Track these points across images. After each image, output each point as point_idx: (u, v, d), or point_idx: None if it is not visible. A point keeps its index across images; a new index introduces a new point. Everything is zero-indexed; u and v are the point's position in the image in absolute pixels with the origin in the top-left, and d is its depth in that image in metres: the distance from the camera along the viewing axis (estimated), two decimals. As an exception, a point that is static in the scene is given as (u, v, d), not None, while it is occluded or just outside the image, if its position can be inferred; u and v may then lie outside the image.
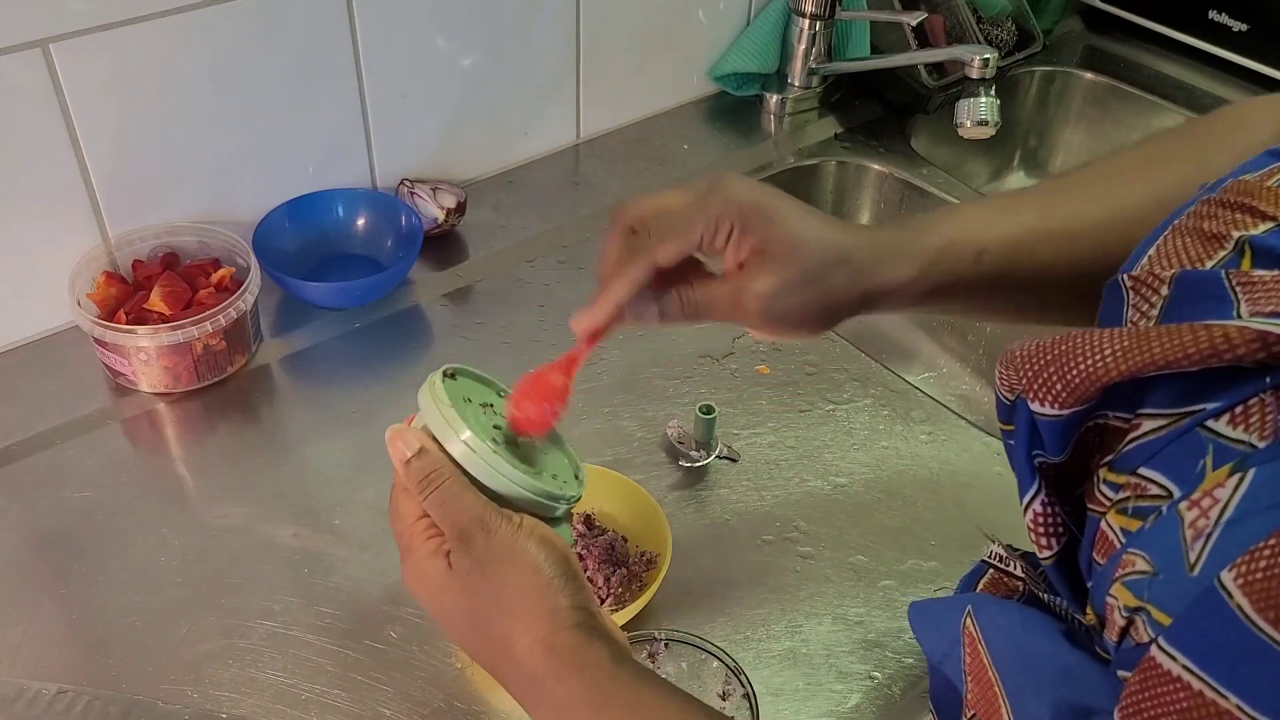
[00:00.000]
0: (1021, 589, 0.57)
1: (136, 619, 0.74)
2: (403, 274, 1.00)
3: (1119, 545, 0.41)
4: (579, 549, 0.76)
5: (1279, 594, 0.32)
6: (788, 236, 0.57)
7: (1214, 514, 0.36)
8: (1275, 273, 0.41)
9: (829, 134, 1.28)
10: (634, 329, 0.62)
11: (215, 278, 0.93)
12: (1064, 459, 0.45)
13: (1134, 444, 0.42)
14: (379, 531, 0.80)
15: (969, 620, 0.53)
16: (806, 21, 1.24)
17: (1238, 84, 1.36)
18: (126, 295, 0.91)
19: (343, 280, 1.01)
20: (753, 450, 0.88)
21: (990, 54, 1.11)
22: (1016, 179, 1.49)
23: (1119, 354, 0.41)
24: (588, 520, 0.79)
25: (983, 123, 1.13)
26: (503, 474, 0.54)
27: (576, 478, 0.60)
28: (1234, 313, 0.40)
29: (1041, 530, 0.47)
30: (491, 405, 0.60)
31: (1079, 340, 0.43)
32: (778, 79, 1.29)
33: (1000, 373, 0.47)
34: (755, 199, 0.58)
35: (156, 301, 0.89)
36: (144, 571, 0.77)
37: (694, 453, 0.86)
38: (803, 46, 1.25)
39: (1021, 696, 0.48)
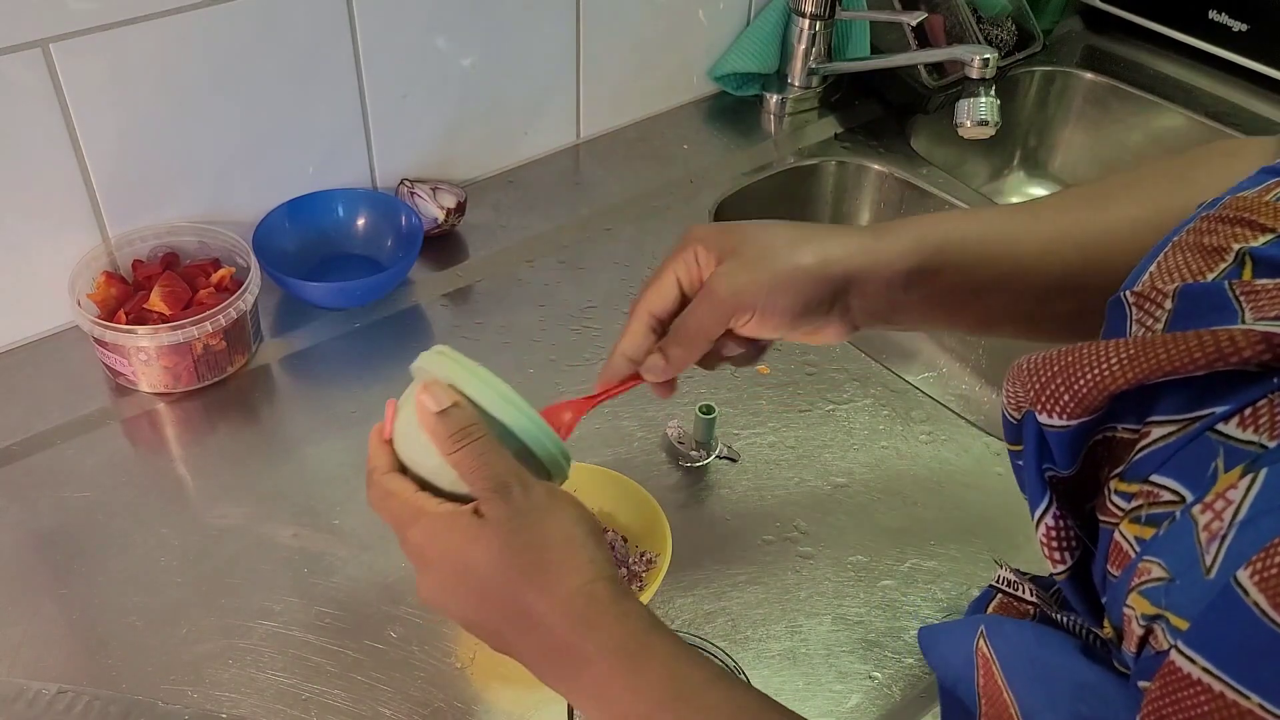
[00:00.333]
0: (1033, 612, 0.57)
1: (136, 619, 0.74)
2: (403, 274, 1.00)
3: (1133, 554, 0.41)
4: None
5: None
6: (748, 236, 0.61)
7: (1228, 515, 0.36)
8: (1278, 280, 0.41)
9: (829, 134, 1.28)
10: (652, 388, 0.65)
11: (215, 278, 0.93)
12: (1073, 472, 0.45)
13: (1144, 452, 0.42)
14: (379, 531, 0.80)
15: (982, 641, 0.52)
16: (806, 21, 1.24)
17: (1238, 84, 1.36)
18: (126, 295, 0.91)
19: (343, 280, 1.01)
20: (753, 450, 0.88)
21: (990, 54, 1.11)
22: (1016, 179, 1.49)
23: (1125, 362, 0.41)
24: (588, 520, 0.79)
25: (983, 123, 1.13)
26: (532, 419, 0.55)
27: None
28: (1239, 320, 0.40)
29: (1055, 545, 0.47)
30: None
31: (1085, 351, 0.43)
32: (778, 79, 1.29)
33: (1007, 390, 0.47)
34: (713, 227, 0.63)
35: (156, 301, 0.89)
36: (144, 571, 0.77)
37: (694, 453, 0.86)
38: (803, 46, 1.25)
39: (1037, 715, 0.48)
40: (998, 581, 0.58)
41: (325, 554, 0.79)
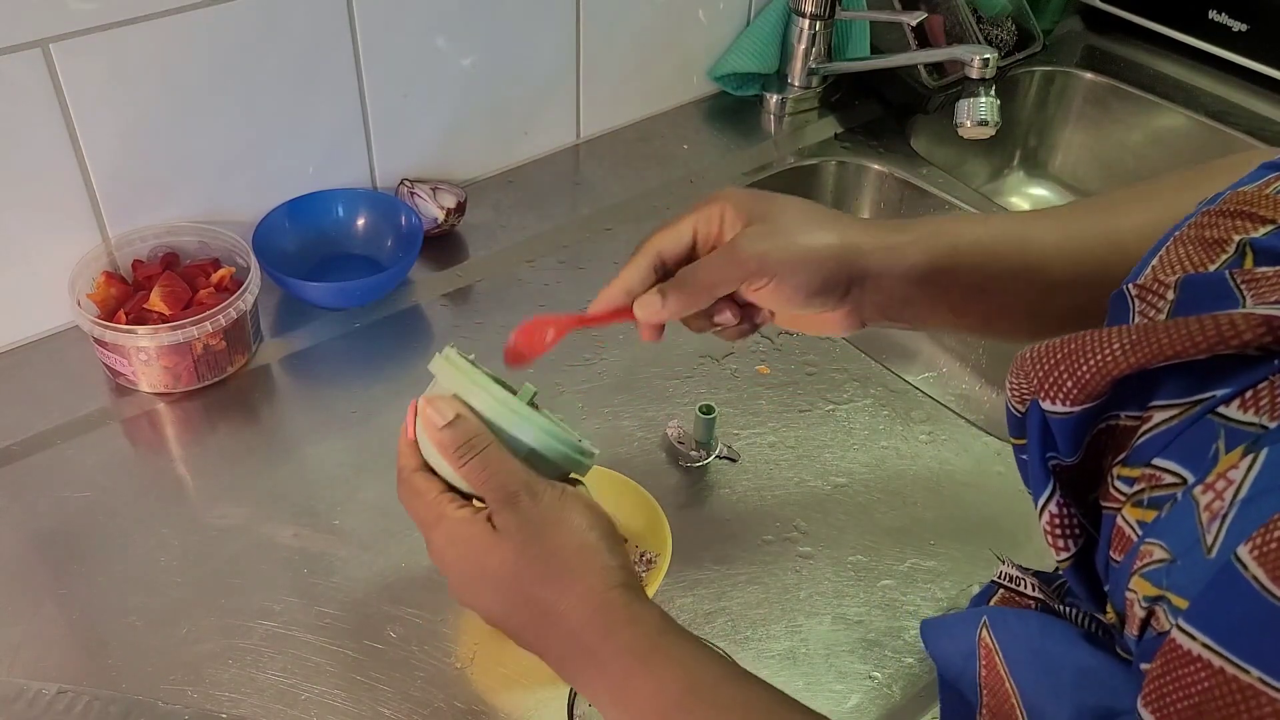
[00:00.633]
0: (1035, 606, 0.57)
1: (136, 619, 0.74)
2: (403, 274, 1.00)
3: (1135, 539, 0.41)
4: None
5: None
6: (776, 206, 0.62)
7: (1229, 495, 0.36)
8: (1278, 268, 0.41)
9: (829, 134, 1.28)
10: (639, 328, 0.64)
11: (215, 278, 0.93)
12: (1077, 461, 0.46)
13: (1146, 436, 0.42)
14: (379, 531, 0.80)
15: (985, 632, 0.53)
16: (806, 21, 1.24)
17: (1238, 84, 1.36)
18: (126, 295, 0.91)
19: (343, 280, 1.01)
20: (753, 450, 0.88)
21: (990, 54, 1.11)
22: (1016, 179, 1.49)
23: (1128, 347, 0.41)
24: (588, 520, 0.79)
25: (983, 123, 1.13)
26: (538, 425, 0.55)
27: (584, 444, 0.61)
28: (1240, 307, 0.40)
29: (1059, 532, 0.47)
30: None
31: (1088, 338, 0.43)
32: (778, 79, 1.29)
33: (1011, 382, 0.47)
34: (744, 192, 0.63)
35: (156, 301, 0.89)
36: (144, 571, 0.77)
37: (694, 453, 0.86)
38: (803, 46, 1.25)
39: (1040, 705, 0.48)
40: (999, 577, 0.59)
41: (325, 554, 0.79)
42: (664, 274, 0.63)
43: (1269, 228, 0.44)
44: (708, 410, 0.86)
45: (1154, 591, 0.38)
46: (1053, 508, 0.47)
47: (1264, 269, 0.42)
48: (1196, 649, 0.35)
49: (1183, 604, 0.36)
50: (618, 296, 0.63)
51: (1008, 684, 0.50)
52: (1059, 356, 0.44)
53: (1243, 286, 0.41)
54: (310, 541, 0.80)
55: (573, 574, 0.52)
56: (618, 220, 1.12)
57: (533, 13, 1.10)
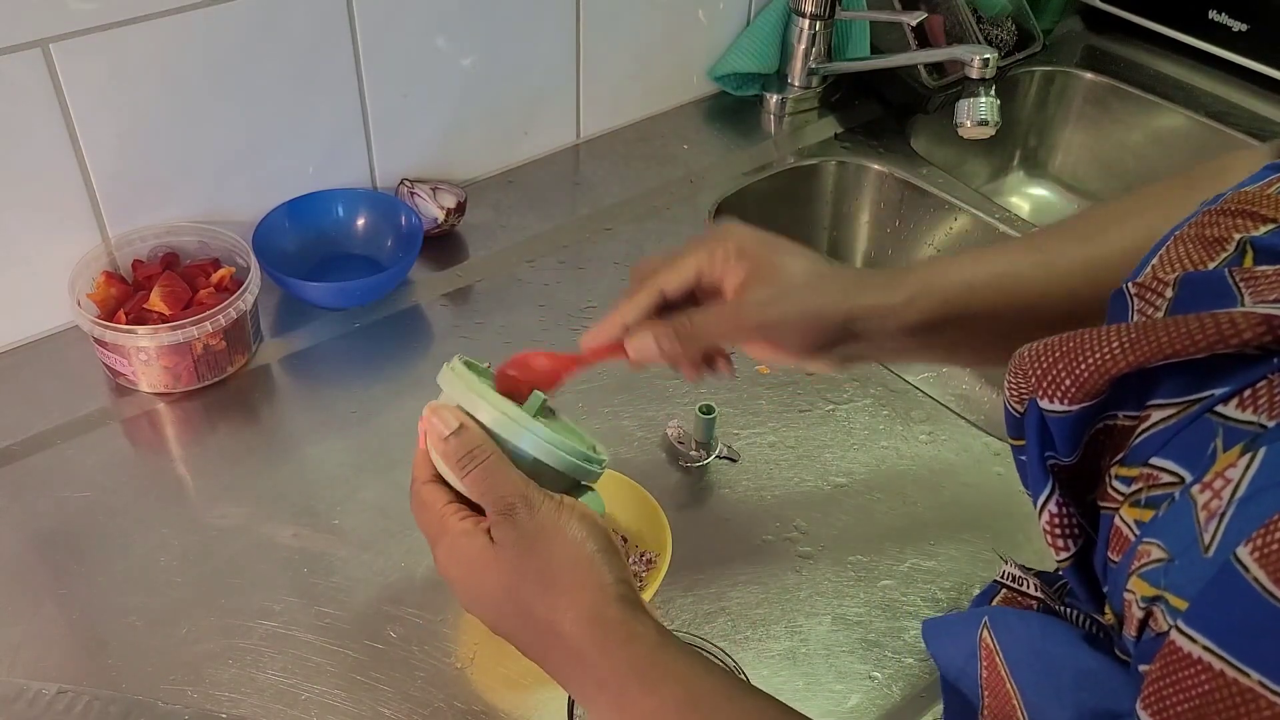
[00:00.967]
0: (1036, 607, 0.57)
1: (136, 619, 0.74)
2: (403, 274, 1.00)
3: (1133, 538, 0.41)
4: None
5: None
6: (779, 259, 0.62)
7: (1226, 494, 0.36)
8: (1278, 266, 0.41)
9: (829, 134, 1.28)
10: (638, 367, 0.65)
11: (215, 278, 0.93)
12: (1075, 461, 0.46)
13: (1144, 435, 0.42)
14: (379, 531, 0.80)
15: (986, 632, 0.53)
16: (806, 21, 1.24)
17: (1238, 84, 1.36)
18: (126, 295, 0.91)
19: (343, 280, 1.01)
20: (753, 450, 0.88)
21: (990, 54, 1.11)
22: (1016, 179, 1.49)
23: (1126, 346, 0.41)
24: (588, 520, 0.79)
25: (983, 123, 1.13)
26: (541, 436, 0.56)
27: (595, 451, 0.61)
28: (1238, 305, 0.40)
29: (1058, 532, 0.47)
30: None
31: (1086, 336, 0.43)
32: (778, 79, 1.29)
33: (1009, 381, 0.47)
34: (749, 233, 0.64)
35: (156, 301, 0.89)
36: (144, 571, 0.77)
37: (694, 453, 0.86)
38: (803, 46, 1.25)
39: (1041, 705, 0.48)
40: (1002, 577, 0.59)
41: (325, 554, 0.79)
42: (662, 307, 0.64)
43: (1270, 226, 0.44)
44: (708, 410, 0.86)
45: (1152, 591, 0.38)
46: (1052, 507, 0.47)
47: (1263, 267, 0.41)
48: (1196, 651, 0.35)
49: (1181, 604, 0.36)
50: (614, 330, 0.64)
51: (1009, 685, 0.50)
52: (1057, 355, 0.44)
53: (1241, 285, 0.41)
54: (310, 541, 0.80)
55: (568, 589, 0.52)
56: (618, 220, 1.12)
57: (532, 13, 1.10)
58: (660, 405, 0.91)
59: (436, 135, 1.11)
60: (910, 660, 0.73)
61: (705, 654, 0.70)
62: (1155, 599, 0.38)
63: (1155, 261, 0.47)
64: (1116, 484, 0.43)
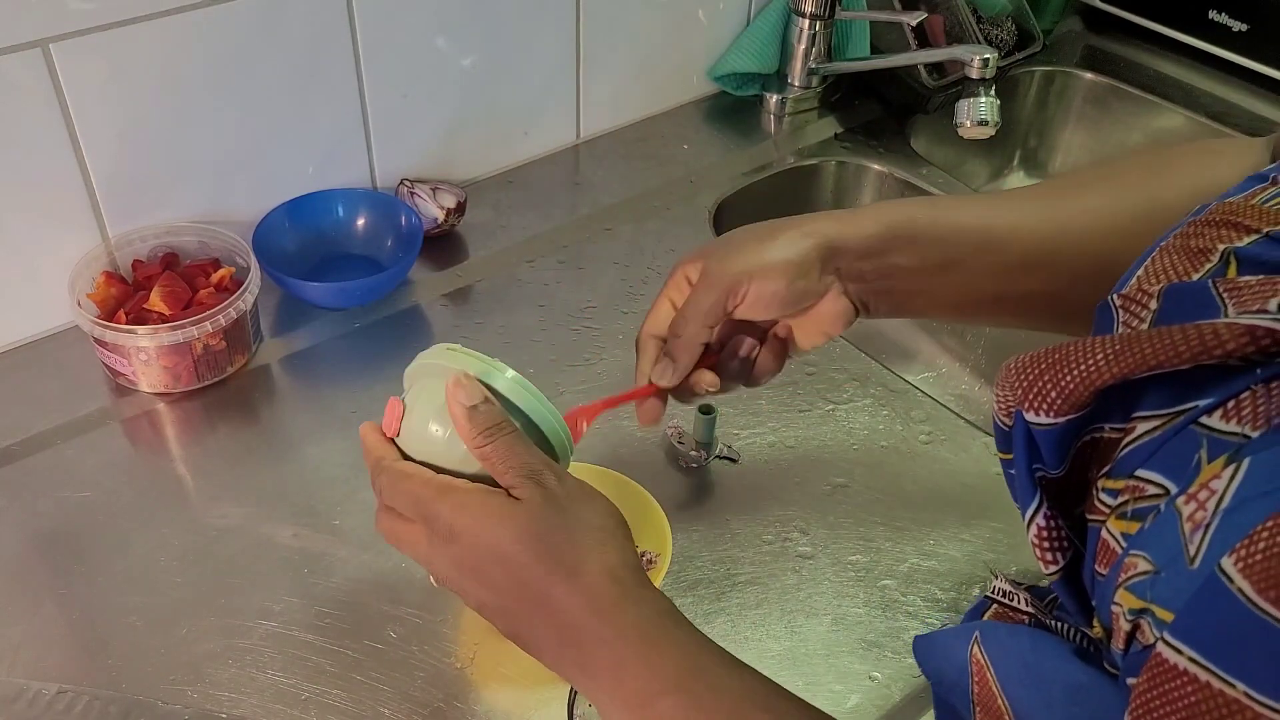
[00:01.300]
0: (1028, 621, 0.57)
1: (136, 619, 0.74)
2: (403, 274, 1.00)
3: (1120, 551, 0.41)
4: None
5: (1279, 572, 0.32)
6: (726, 235, 0.67)
7: (1211, 505, 0.36)
8: (1261, 277, 0.41)
9: (829, 134, 1.28)
10: (638, 411, 0.69)
11: (215, 278, 0.93)
12: (1062, 473, 0.46)
13: (1130, 448, 0.42)
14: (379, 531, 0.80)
15: (976, 647, 0.52)
16: (806, 21, 1.24)
17: (1238, 84, 1.36)
18: (126, 295, 0.91)
19: (343, 280, 1.01)
20: (753, 450, 0.88)
21: (990, 54, 1.11)
22: (1016, 179, 1.49)
23: (1111, 358, 0.41)
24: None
25: (983, 123, 1.13)
26: (553, 414, 0.57)
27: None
28: (1221, 316, 0.40)
29: (1046, 545, 0.47)
30: None
31: (1071, 348, 0.43)
32: (778, 79, 1.29)
33: (997, 394, 0.47)
34: (698, 247, 0.67)
35: (156, 301, 0.89)
36: (144, 571, 0.77)
37: (694, 453, 0.86)
38: (803, 46, 1.25)
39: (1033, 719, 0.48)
40: (993, 592, 0.59)
41: (325, 554, 0.79)
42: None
43: (1253, 236, 0.44)
44: (708, 410, 0.86)
45: (1138, 604, 0.38)
46: (1040, 520, 0.47)
47: (1246, 278, 0.42)
48: (1183, 663, 0.35)
49: (1167, 616, 0.36)
50: (641, 384, 0.68)
51: (1000, 700, 0.50)
52: (1043, 367, 0.44)
53: (1225, 295, 0.41)
54: (310, 541, 0.80)
55: (587, 550, 0.53)
56: (618, 220, 1.12)
57: (533, 13, 1.10)
58: (660, 405, 0.91)
59: (436, 135, 1.11)
60: (910, 660, 0.73)
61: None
62: (1142, 611, 0.38)
63: (1140, 273, 0.47)
64: (1103, 496, 0.43)
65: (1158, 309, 0.44)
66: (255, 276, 0.91)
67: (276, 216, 1.01)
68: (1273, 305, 0.39)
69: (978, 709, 0.52)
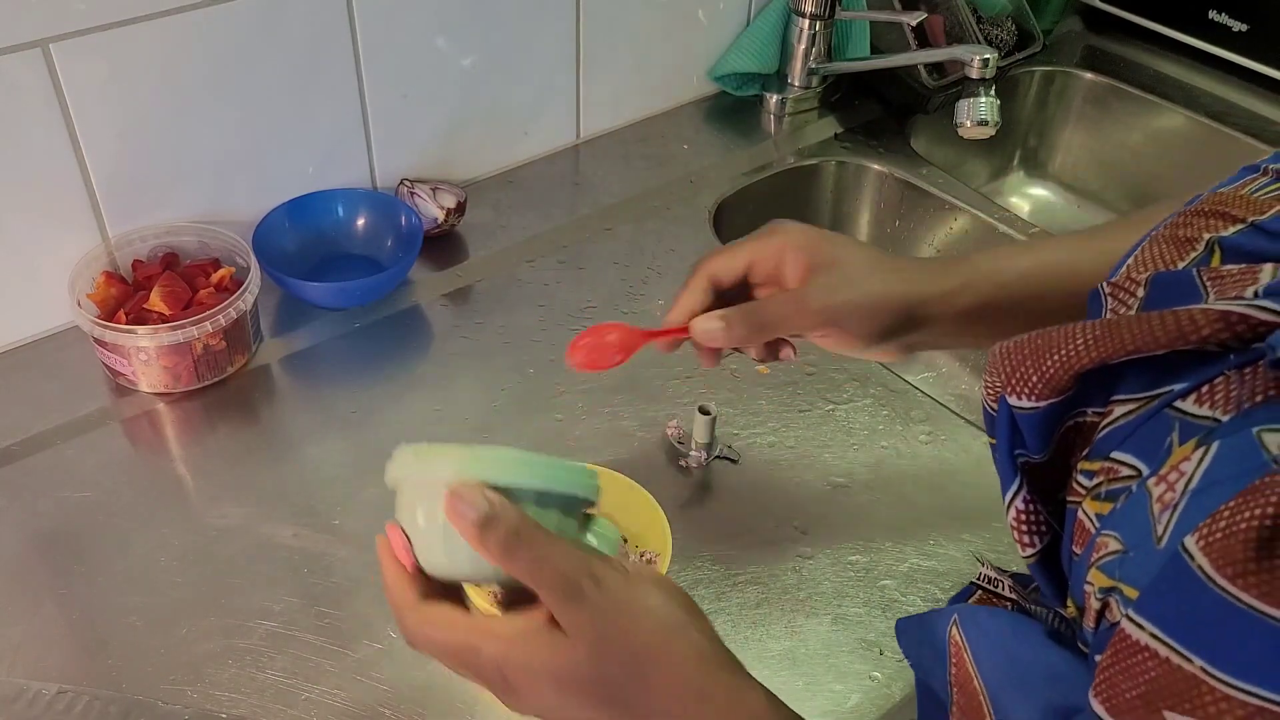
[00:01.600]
0: (1010, 608, 0.57)
1: (136, 619, 0.74)
2: (403, 274, 1.00)
3: (1093, 531, 0.41)
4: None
5: (1238, 550, 0.33)
6: (838, 249, 0.64)
7: (1180, 486, 0.37)
8: (1242, 266, 0.42)
9: (829, 134, 1.28)
10: (698, 352, 0.66)
11: (215, 278, 0.93)
12: (1046, 458, 0.46)
13: (1106, 430, 0.43)
14: (379, 531, 0.80)
15: (955, 629, 0.53)
16: (806, 21, 1.24)
17: (1238, 84, 1.36)
18: (126, 295, 0.91)
19: (343, 280, 1.01)
20: (753, 450, 0.88)
21: (990, 54, 1.11)
22: (1016, 179, 1.49)
23: (1091, 343, 0.42)
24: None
25: (983, 123, 1.13)
26: (564, 469, 0.49)
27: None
28: (1203, 303, 0.41)
29: (1024, 528, 0.48)
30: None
31: (1054, 334, 0.44)
32: (778, 79, 1.29)
33: (985, 379, 0.48)
34: (804, 227, 0.65)
35: (156, 301, 0.89)
36: (144, 571, 0.77)
37: (694, 453, 0.86)
38: (803, 46, 1.25)
39: (1007, 702, 0.48)
40: (978, 578, 0.59)
41: (325, 554, 0.79)
42: (716, 297, 0.65)
43: (1239, 226, 0.44)
44: (707, 410, 0.86)
45: (1108, 583, 0.39)
46: (1019, 504, 0.47)
47: (1229, 266, 0.42)
48: (1144, 639, 0.35)
49: (1134, 594, 0.37)
50: (679, 318, 0.64)
51: (976, 681, 0.50)
52: (1026, 352, 0.45)
53: (1208, 283, 0.42)
54: (310, 541, 0.80)
55: (662, 666, 0.47)
56: (618, 220, 1.12)
57: (532, 13, 1.10)
58: (660, 405, 0.91)
59: (436, 135, 1.11)
60: (910, 660, 0.73)
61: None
62: (1111, 590, 0.39)
63: (1130, 261, 0.48)
64: (1080, 478, 0.44)
65: (1144, 296, 0.45)
66: (255, 276, 0.91)
67: (276, 216, 1.01)
68: (1250, 292, 0.40)
69: (955, 690, 0.52)
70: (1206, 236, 0.45)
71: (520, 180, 1.17)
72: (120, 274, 0.94)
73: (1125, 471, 0.41)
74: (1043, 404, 0.44)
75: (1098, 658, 0.38)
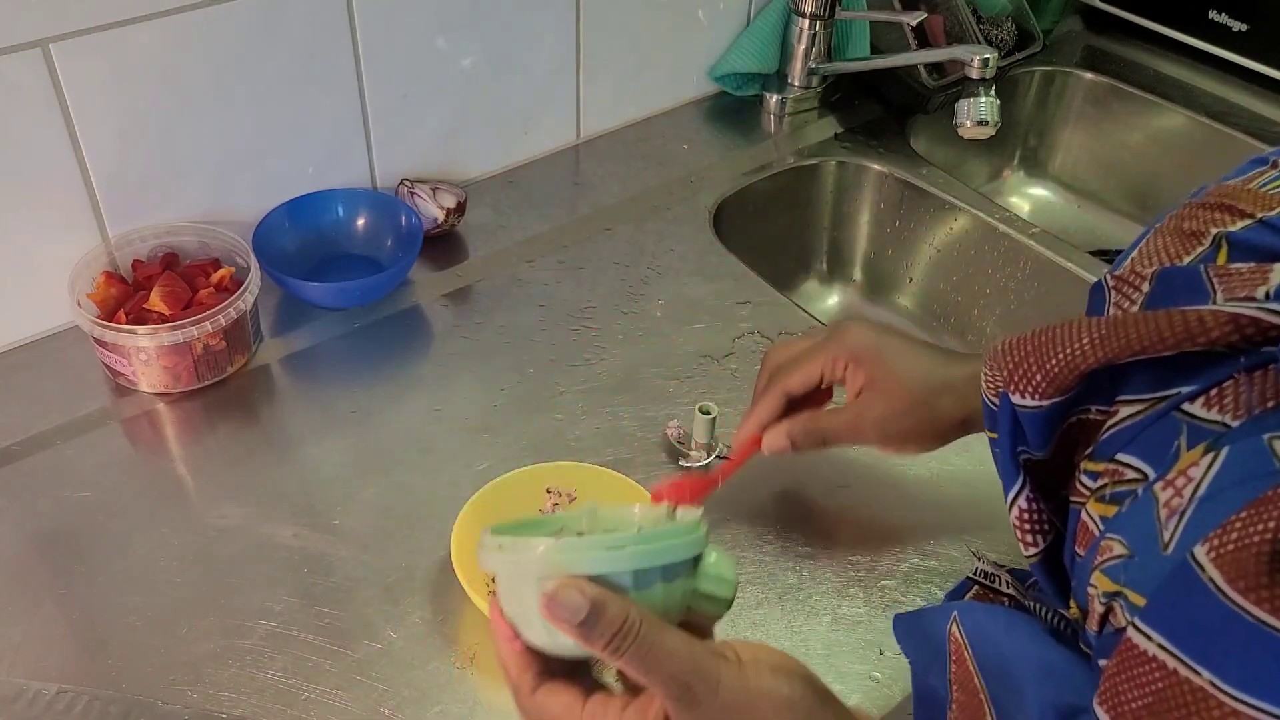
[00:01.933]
0: (1008, 603, 0.57)
1: (136, 619, 0.74)
2: (403, 274, 1.00)
3: (1098, 533, 0.41)
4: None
5: (1250, 564, 0.32)
6: (896, 372, 0.68)
7: (1188, 492, 0.36)
8: (1251, 265, 0.41)
9: (829, 134, 1.28)
10: (773, 456, 0.74)
11: (215, 278, 0.93)
12: (1048, 455, 0.46)
13: (1111, 430, 0.42)
14: (379, 531, 0.80)
15: (955, 627, 0.53)
16: (806, 21, 1.24)
17: (1238, 84, 1.36)
18: (126, 295, 0.91)
19: (343, 280, 1.01)
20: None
21: (990, 54, 1.11)
22: (1016, 179, 1.49)
23: (1097, 341, 0.41)
24: (588, 520, 0.79)
25: (983, 123, 1.13)
26: (659, 542, 0.47)
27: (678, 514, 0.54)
28: (1210, 302, 0.40)
29: (1027, 527, 0.47)
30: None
31: (1058, 331, 0.43)
32: (778, 79, 1.29)
33: (985, 375, 0.47)
34: (867, 341, 0.70)
35: (156, 301, 0.89)
36: (144, 571, 0.77)
37: (694, 453, 0.86)
38: (803, 46, 1.25)
39: (1007, 700, 0.48)
40: (975, 574, 0.59)
41: (325, 554, 0.79)
42: (789, 405, 0.72)
43: (1246, 221, 0.44)
44: (707, 410, 0.86)
45: (1112, 587, 0.38)
46: (1022, 503, 0.47)
47: (1238, 265, 0.42)
48: (1151, 649, 0.35)
49: (1139, 601, 0.37)
50: (753, 429, 0.73)
51: (976, 679, 0.50)
52: (1029, 349, 0.44)
53: (1215, 281, 0.41)
54: (310, 541, 0.80)
55: None
56: (618, 220, 1.12)
57: (532, 12, 1.10)
58: (660, 405, 0.91)
59: (436, 135, 1.11)
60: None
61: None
62: (1115, 594, 0.38)
63: (1135, 254, 0.47)
64: (1084, 478, 0.43)
65: (1149, 291, 0.44)
66: (255, 276, 0.91)
67: (276, 216, 1.01)
68: (1260, 293, 0.39)
69: (954, 687, 0.52)
70: (1213, 231, 0.44)
71: (520, 180, 1.17)
72: (120, 274, 0.94)
73: (1131, 474, 0.40)
74: (1046, 403, 0.43)
75: (1101, 662, 0.38)
